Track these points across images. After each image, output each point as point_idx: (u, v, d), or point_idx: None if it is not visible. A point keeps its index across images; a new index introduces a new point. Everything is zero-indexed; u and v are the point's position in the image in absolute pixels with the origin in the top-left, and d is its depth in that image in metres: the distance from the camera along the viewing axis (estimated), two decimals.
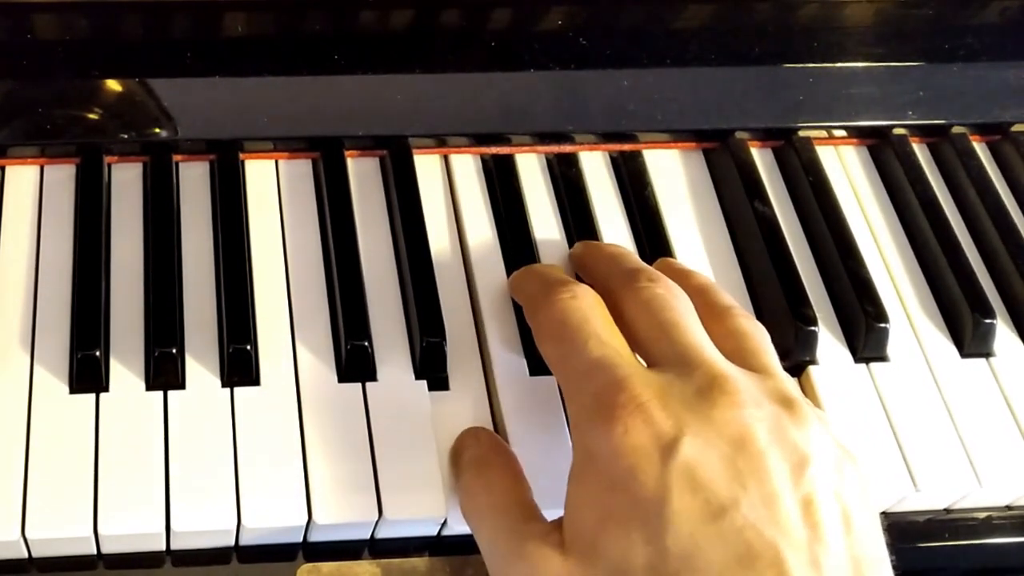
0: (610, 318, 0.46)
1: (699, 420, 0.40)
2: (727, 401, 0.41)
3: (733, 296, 0.49)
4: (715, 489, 0.39)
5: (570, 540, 0.41)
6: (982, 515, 0.52)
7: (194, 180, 0.56)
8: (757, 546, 0.38)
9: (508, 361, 0.51)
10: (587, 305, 0.46)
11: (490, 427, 0.49)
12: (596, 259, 0.52)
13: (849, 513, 0.40)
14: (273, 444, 0.47)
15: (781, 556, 0.38)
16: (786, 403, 0.42)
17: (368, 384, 0.49)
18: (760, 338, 0.46)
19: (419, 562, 0.48)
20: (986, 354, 0.55)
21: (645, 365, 0.44)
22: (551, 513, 0.43)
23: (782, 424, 0.41)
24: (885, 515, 0.51)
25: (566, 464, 0.43)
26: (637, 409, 0.40)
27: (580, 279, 0.51)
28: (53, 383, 0.48)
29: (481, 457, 0.46)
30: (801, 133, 0.61)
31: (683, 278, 0.48)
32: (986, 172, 0.61)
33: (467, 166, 0.58)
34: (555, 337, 0.46)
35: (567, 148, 0.59)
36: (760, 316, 0.54)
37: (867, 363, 0.54)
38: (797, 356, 0.53)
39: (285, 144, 0.57)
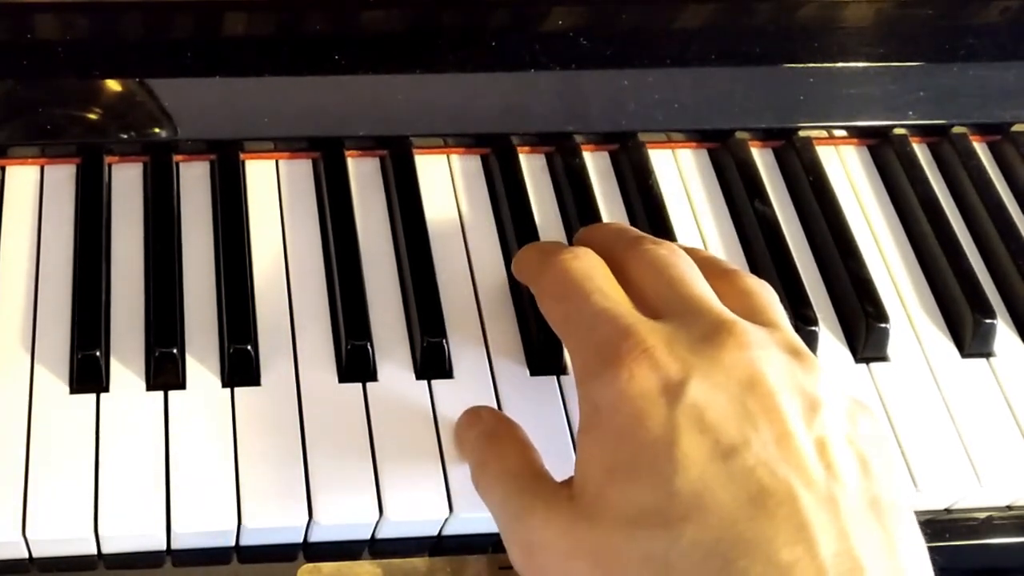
0: (612, 276, 0.45)
1: (706, 363, 0.40)
2: (735, 343, 0.40)
3: None
4: (725, 429, 0.38)
5: (579, 493, 0.41)
6: (982, 515, 0.52)
7: (194, 180, 0.56)
8: (769, 484, 0.37)
9: (509, 361, 0.51)
10: (589, 264, 0.45)
11: None
12: (598, 233, 0.51)
13: (865, 457, 0.39)
14: (274, 444, 0.47)
15: (794, 493, 0.37)
16: (794, 352, 0.41)
17: (369, 384, 0.50)
18: (768, 296, 0.45)
19: (419, 562, 0.48)
20: (986, 354, 0.55)
21: None
22: None
23: (792, 370, 0.40)
24: None
25: (568, 464, 0.43)
26: (643, 354, 0.40)
27: None
28: (54, 383, 0.48)
29: (490, 431, 0.46)
30: (802, 133, 0.61)
31: (688, 252, 0.48)
32: (986, 172, 0.61)
33: (468, 166, 0.58)
34: (558, 296, 0.45)
35: (568, 148, 0.59)
36: None
37: (867, 363, 0.54)
38: None
39: (286, 144, 0.57)
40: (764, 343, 0.41)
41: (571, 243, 0.55)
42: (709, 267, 0.47)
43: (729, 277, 0.46)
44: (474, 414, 0.47)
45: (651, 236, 0.48)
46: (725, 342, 0.40)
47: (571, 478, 0.42)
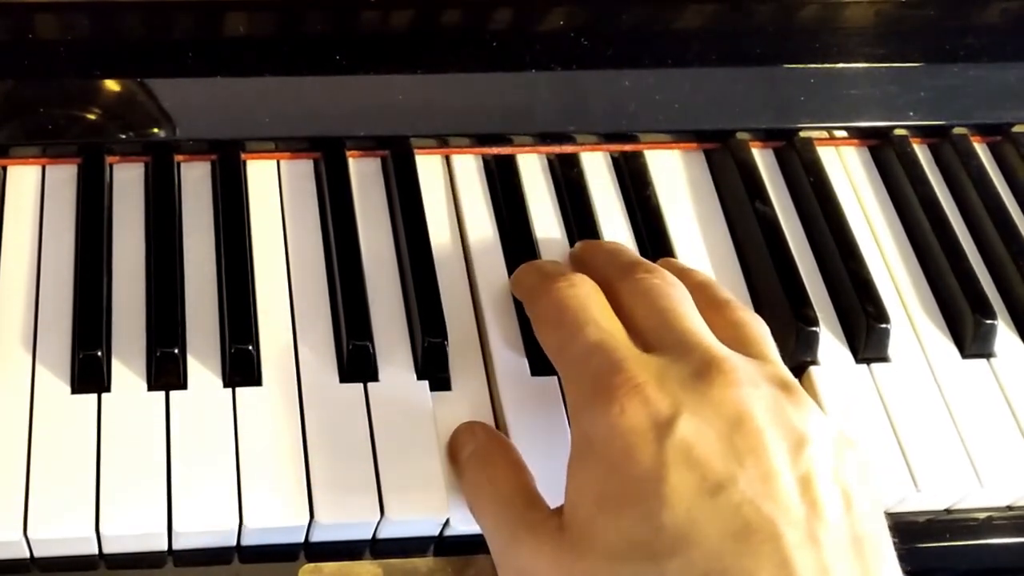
0: (608, 306, 0.46)
1: (696, 399, 0.40)
2: (724, 380, 0.41)
3: (734, 295, 0.49)
4: (712, 466, 0.39)
5: (568, 524, 0.41)
6: (983, 515, 0.52)
7: (196, 180, 0.56)
8: (754, 521, 0.38)
9: (509, 361, 0.51)
10: (584, 293, 0.46)
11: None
12: (594, 254, 0.52)
13: (849, 494, 0.40)
14: (275, 444, 0.47)
15: (778, 531, 0.38)
16: (784, 386, 0.42)
17: (370, 384, 0.50)
18: (759, 328, 0.46)
19: (420, 562, 0.48)
20: (987, 355, 0.55)
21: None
22: None
23: (780, 405, 0.41)
24: (886, 515, 0.51)
25: (567, 465, 0.43)
26: (633, 390, 0.41)
27: None
28: (55, 383, 0.48)
29: (481, 451, 0.47)
30: (802, 134, 0.61)
31: (683, 275, 0.49)
32: (987, 173, 0.61)
33: (468, 166, 0.58)
34: (553, 324, 0.46)
35: (568, 148, 0.59)
36: (761, 316, 0.54)
37: (868, 363, 0.54)
38: (798, 356, 0.53)
39: (286, 144, 0.57)
40: (754, 379, 0.41)
41: (571, 240, 0.56)
42: (702, 294, 0.47)
43: (721, 308, 0.47)
44: (468, 431, 0.48)
45: (646, 262, 0.49)
46: (715, 379, 0.41)
47: (562, 506, 0.42)
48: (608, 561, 0.39)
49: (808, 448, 0.40)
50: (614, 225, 0.57)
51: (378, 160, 0.58)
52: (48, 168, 0.56)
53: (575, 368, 0.44)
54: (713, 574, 0.37)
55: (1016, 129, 0.63)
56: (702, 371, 0.41)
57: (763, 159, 0.61)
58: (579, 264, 0.53)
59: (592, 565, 0.40)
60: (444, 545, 0.48)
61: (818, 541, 0.38)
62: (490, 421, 0.50)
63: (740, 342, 0.45)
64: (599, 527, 0.40)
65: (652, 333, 0.45)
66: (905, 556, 0.41)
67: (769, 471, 0.39)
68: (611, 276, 0.48)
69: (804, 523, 0.38)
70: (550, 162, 0.59)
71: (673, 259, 0.55)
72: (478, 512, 0.45)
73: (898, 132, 0.62)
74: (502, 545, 0.43)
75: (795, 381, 0.43)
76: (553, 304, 0.46)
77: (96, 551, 0.46)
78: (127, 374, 0.49)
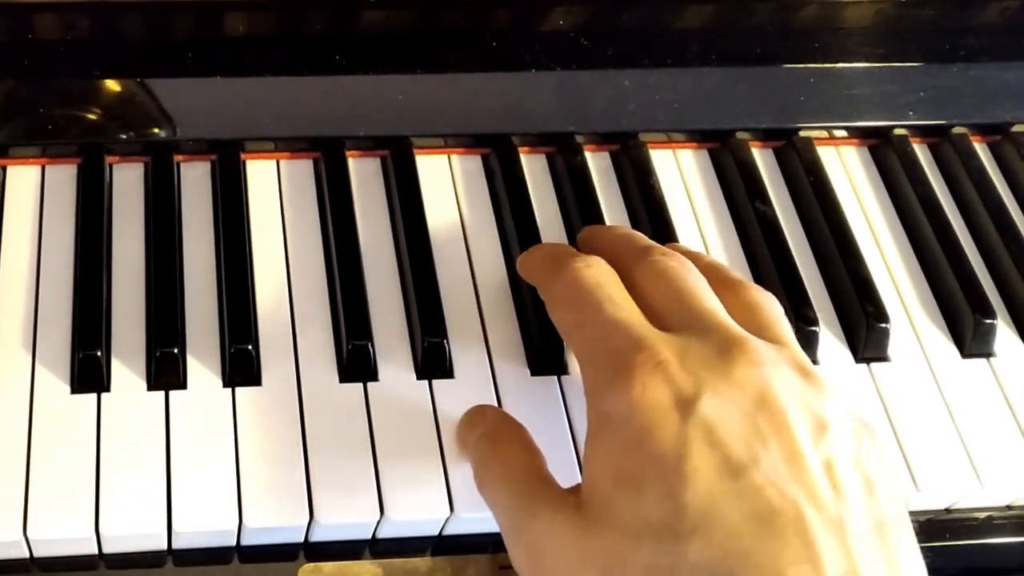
0: (623, 286, 0.45)
1: (718, 378, 0.40)
2: (747, 360, 0.40)
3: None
4: (735, 446, 0.38)
5: (586, 502, 0.41)
6: (982, 515, 0.52)
7: (195, 180, 0.56)
8: (777, 504, 0.37)
9: (510, 361, 0.51)
10: (600, 273, 0.45)
11: None
12: (605, 239, 0.51)
13: (870, 479, 0.39)
14: (274, 444, 0.47)
15: (802, 513, 0.37)
16: (803, 371, 0.42)
17: (369, 384, 0.50)
18: (773, 309, 0.46)
19: (420, 562, 0.48)
20: (987, 354, 0.55)
21: None
22: None
23: (802, 389, 0.41)
24: None
25: (569, 464, 0.43)
26: (656, 367, 0.40)
27: None
28: (55, 383, 0.48)
29: (494, 431, 0.46)
30: (802, 133, 0.61)
31: (692, 258, 0.48)
32: (987, 172, 0.61)
33: (468, 166, 0.58)
34: (570, 303, 0.45)
35: (569, 148, 0.59)
36: None
37: (868, 363, 0.54)
38: None
39: (286, 144, 0.57)
40: (775, 361, 0.41)
41: (572, 243, 0.56)
42: (714, 275, 0.47)
43: (735, 288, 0.46)
44: (478, 413, 0.47)
45: (659, 245, 0.48)
46: (737, 359, 0.40)
47: (578, 485, 0.42)
48: (626, 539, 0.39)
49: (829, 432, 0.40)
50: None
51: (378, 160, 0.58)
52: (48, 168, 0.56)
53: (593, 347, 0.43)
54: (734, 555, 0.37)
55: (1016, 129, 0.63)
56: (724, 350, 0.41)
57: (763, 159, 0.61)
58: (588, 249, 0.53)
59: (610, 542, 0.39)
60: (443, 545, 0.48)
61: (842, 524, 0.37)
62: None
63: (756, 325, 0.44)
64: (617, 504, 0.39)
65: (669, 314, 0.44)
66: None
67: (793, 452, 0.39)
68: (624, 259, 0.47)
69: (830, 505, 0.38)
70: (551, 162, 0.59)
71: (680, 244, 0.55)
72: (489, 490, 0.44)
73: (898, 132, 0.62)
74: (515, 521, 0.42)
75: (812, 366, 0.42)
76: (569, 283, 0.45)
77: (96, 551, 0.46)
78: (127, 374, 0.49)
